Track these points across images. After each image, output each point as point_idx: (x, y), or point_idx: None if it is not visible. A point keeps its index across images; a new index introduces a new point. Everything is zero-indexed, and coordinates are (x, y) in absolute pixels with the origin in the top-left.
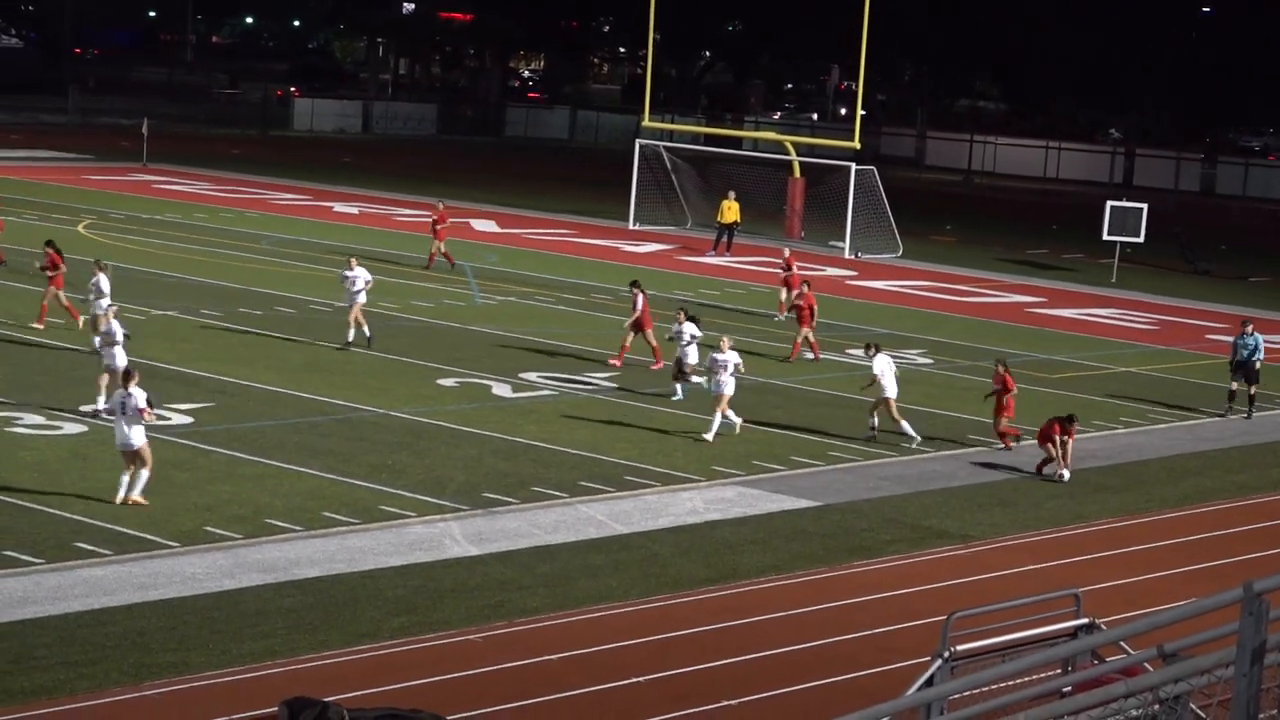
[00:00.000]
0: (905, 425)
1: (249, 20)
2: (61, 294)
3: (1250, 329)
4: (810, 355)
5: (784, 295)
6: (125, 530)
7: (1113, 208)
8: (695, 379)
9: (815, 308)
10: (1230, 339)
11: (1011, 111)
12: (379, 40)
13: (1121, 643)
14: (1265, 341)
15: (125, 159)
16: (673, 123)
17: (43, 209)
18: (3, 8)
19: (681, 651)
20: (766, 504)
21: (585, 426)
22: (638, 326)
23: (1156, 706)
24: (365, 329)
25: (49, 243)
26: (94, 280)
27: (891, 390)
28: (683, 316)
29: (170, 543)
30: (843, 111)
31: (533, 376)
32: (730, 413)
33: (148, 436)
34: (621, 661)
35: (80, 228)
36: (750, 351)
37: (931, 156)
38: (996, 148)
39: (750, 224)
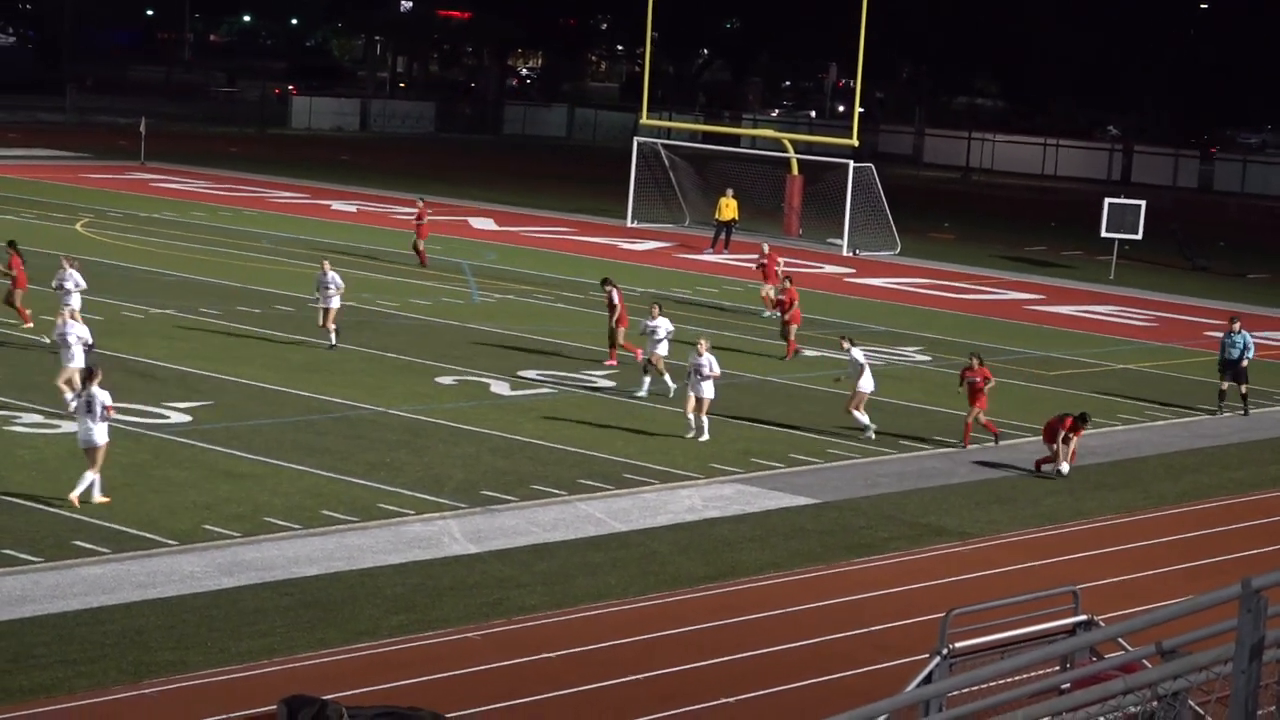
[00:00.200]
0: (864, 417)
1: (246, 19)
2: (18, 294)
3: (1238, 326)
4: (798, 352)
5: (771, 291)
6: (124, 529)
7: (1111, 205)
8: (668, 380)
9: (796, 302)
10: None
11: (1009, 109)
12: (377, 38)
13: (1120, 639)
14: (1265, 339)
15: (123, 157)
16: (671, 120)
17: (41, 208)
18: (1, 7)
19: (680, 649)
20: (765, 501)
21: (584, 424)
22: (619, 322)
23: (1155, 703)
24: (331, 331)
25: (10, 244)
26: (62, 276)
27: (867, 386)
28: (656, 311)
29: (169, 541)
30: (841, 109)
31: (531, 374)
32: (693, 416)
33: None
34: (620, 659)
35: (78, 226)
36: (750, 351)
37: (929, 154)
38: (994, 145)
39: (748, 221)
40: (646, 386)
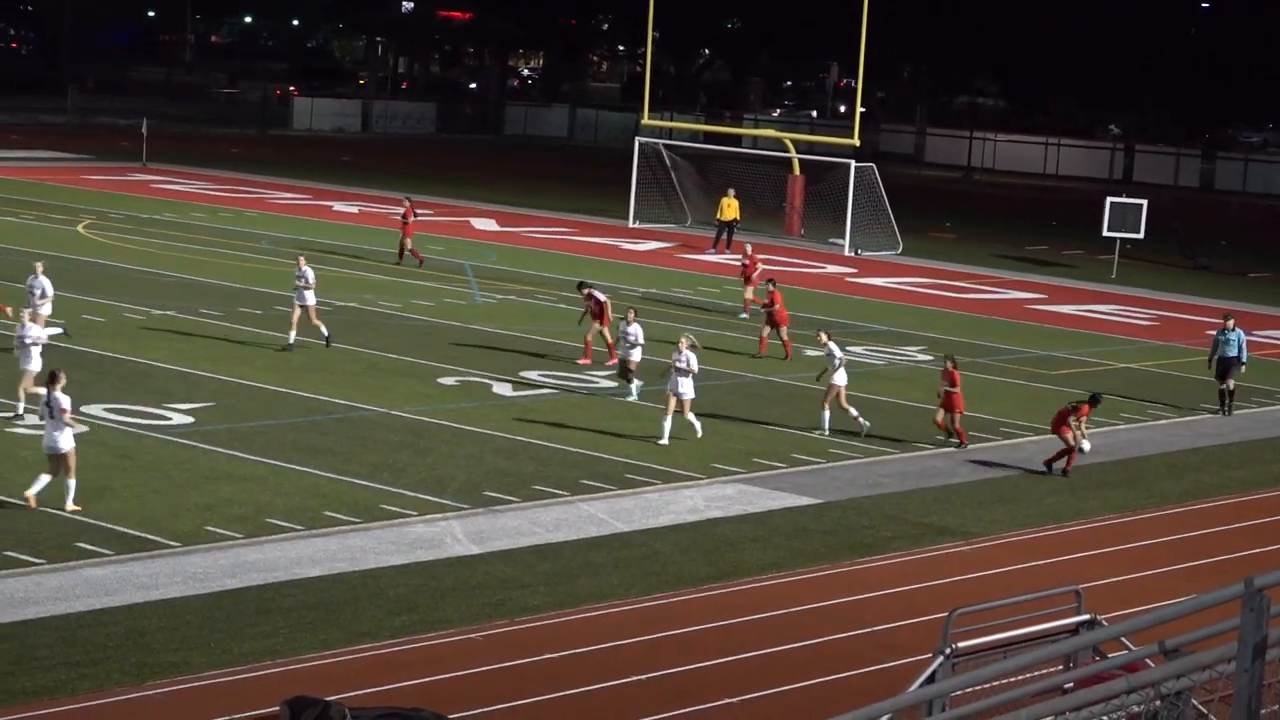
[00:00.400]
0: (827, 416)
1: (248, 20)
2: None
3: (1231, 324)
4: (774, 350)
5: (750, 293)
6: (126, 530)
7: (1112, 204)
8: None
9: (780, 303)
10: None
11: (1010, 109)
12: (378, 39)
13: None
14: (1267, 337)
15: (124, 159)
16: (672, 120)
17: (42, 209)
18: (1, 8)
19: (682, 649)
20: (767, 501)
21: (586, 425)
22: (603, 322)
23: (1158, 702)
24: (292, 336)
25: None
26: (32, 282)
27: (841, 380)
28: (632, 315)
29: (171, 542)
30: (842, 109)
31: (533, 375)
32: (667, 421)
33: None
34: (622, 660)
35: (80, 228)
36: (751, 351)
37: (931, 153)
38: (995, 144)
39: (750, 221)
40: (636, 388)
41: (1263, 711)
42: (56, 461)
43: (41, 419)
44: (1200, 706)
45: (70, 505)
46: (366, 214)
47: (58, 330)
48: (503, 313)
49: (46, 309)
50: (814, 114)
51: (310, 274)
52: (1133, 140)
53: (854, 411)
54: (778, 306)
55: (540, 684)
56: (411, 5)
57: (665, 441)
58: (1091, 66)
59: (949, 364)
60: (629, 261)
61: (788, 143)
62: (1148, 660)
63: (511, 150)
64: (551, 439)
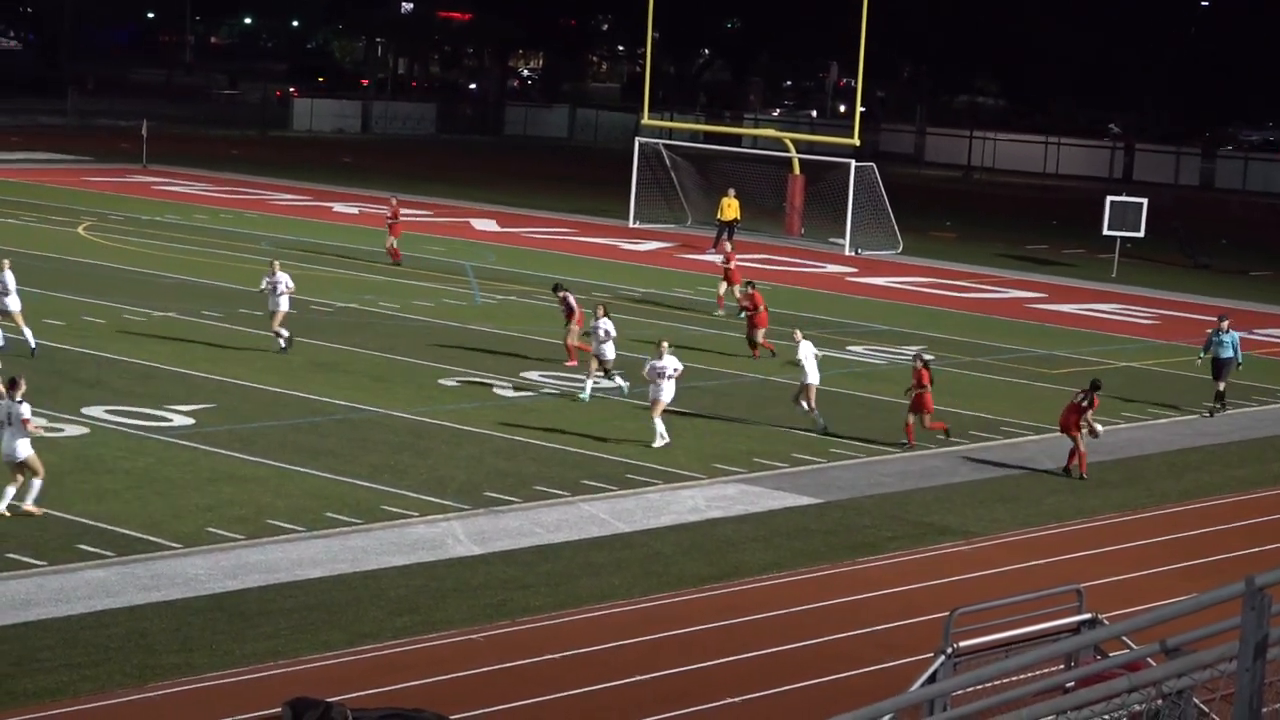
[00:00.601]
0: (816, 414)
1: (247, 21)
2: None
3: (1226, 325)
4: (762, 353)
5: (722, 290)
6: (128, 532)
7: (1112, 203)
8: (601, 379)
9: (761, 305)
10: (1238, 334)
11: (1010, 108)
12: (378, 40)
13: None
14: (1268, 336)
15: (124, 160)
16: (672, 121)
17: (42, 211)
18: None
19: (684, 650)
20: (768, 501)
21: (586, 425)
22: (576, 322)
23: (1159, 701)
24: (282, 335)
25: None
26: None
27: (813, 377)
28: (601, 311)
29: (172, 544)
30: (842, 108)
31: (534, 376)
32: (658, 421)
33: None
34: (623, 660)
35: (80, 230)
36: (746, 354)
37: (931, 153)
38: (996, 143)
39: (750, 221)
40: (622, 384)
41: (1264, 710)
42: (17, 469)
43: None
44: (1202, 705)
45: (29, 505)
46: (367, 215)
47: None
48: (503, 313)
49: (13, 304)
50: (814, 114)
51: (288, 280)
52: (1133, 139)
53: (806, 407)
54: (760, 309)
55: (542, 685)
56: (411, 6)
57: (662, 441)
58: (1091, 66)
59: (918, 363)
60: (629, 262)
61: (788, 142)
62: (1149, 659)
63: (511, 151)
64: (552, 440)
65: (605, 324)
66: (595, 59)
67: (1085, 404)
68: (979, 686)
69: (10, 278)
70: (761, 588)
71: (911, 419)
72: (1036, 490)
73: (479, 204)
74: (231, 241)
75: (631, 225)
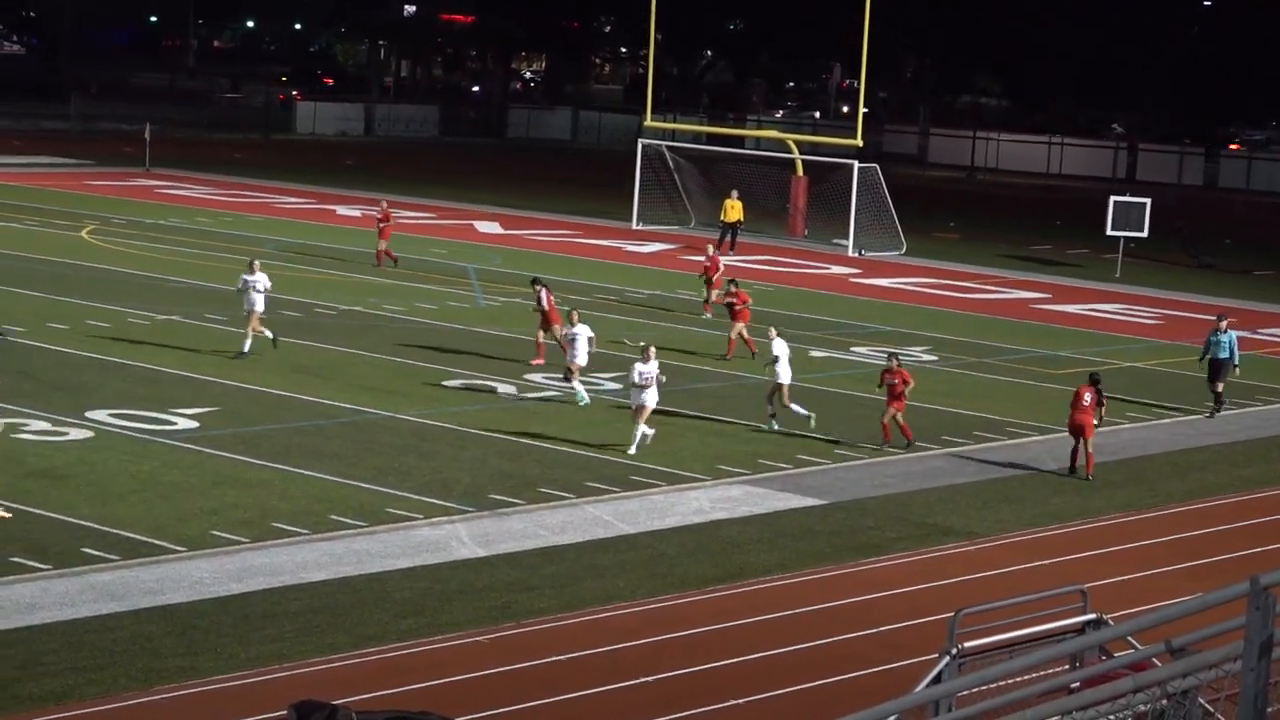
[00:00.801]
0: (796, 408)
1: (249, 24)
2: None
3: (1225, 325)
4: (739, 350)
5: (707, 292)
6: (132, 535)
7: (1116, 203)
8: (579, 383)
9: (748, 302)
10: (1242, 334)
11: (1013, 108)
12: (380, 43)
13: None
14: (1270, 335)
15: (128, 164)
16: (675, 122)
17: (45, 215)
18: (4, 15)
19: (689, 651)
20: (773, 503)
21: (590, 427)
22: (546, 323)
23: (1164, 701)
24: (266, 332)
25: None
26: None
27: (785, 377)
28: (575, 317)
29: (177, 547)
30: (845, 109)
31: (537, 378)
32: (644, 426)
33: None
34: (628, 662)
35: (84, 233)
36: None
37: (934, 153)
38: (999, 144)
39: (753, 223)
40: (581, 392)
41: (1269, 710)
42: None
43: None
44: (1207, 705)
45: None
46: (370, 218)
47: None
48: (506, 315)
49: None
50: (817, 115)
51: (264, 279)
52: (1136, 139)
53: (773, 408)
54: (740, 306)
55: (546, 687)
56: (414, 8)
57: (631, 450)
58: (1091, 64)
59: (894, 363)
60: (633, 264)
61: (791, 144)
62: (1154, 659)
63: (514, 153)
64: (556, 441)
65: (582, 330)
66: (598, 61)
67: (1101, 400)
68: (984, 687)
69: None
70: (766, 589)
71: (894, 415)
72: (1041, 491)
73: (482, 206)
74: (235, 245)
75: (635, 227)
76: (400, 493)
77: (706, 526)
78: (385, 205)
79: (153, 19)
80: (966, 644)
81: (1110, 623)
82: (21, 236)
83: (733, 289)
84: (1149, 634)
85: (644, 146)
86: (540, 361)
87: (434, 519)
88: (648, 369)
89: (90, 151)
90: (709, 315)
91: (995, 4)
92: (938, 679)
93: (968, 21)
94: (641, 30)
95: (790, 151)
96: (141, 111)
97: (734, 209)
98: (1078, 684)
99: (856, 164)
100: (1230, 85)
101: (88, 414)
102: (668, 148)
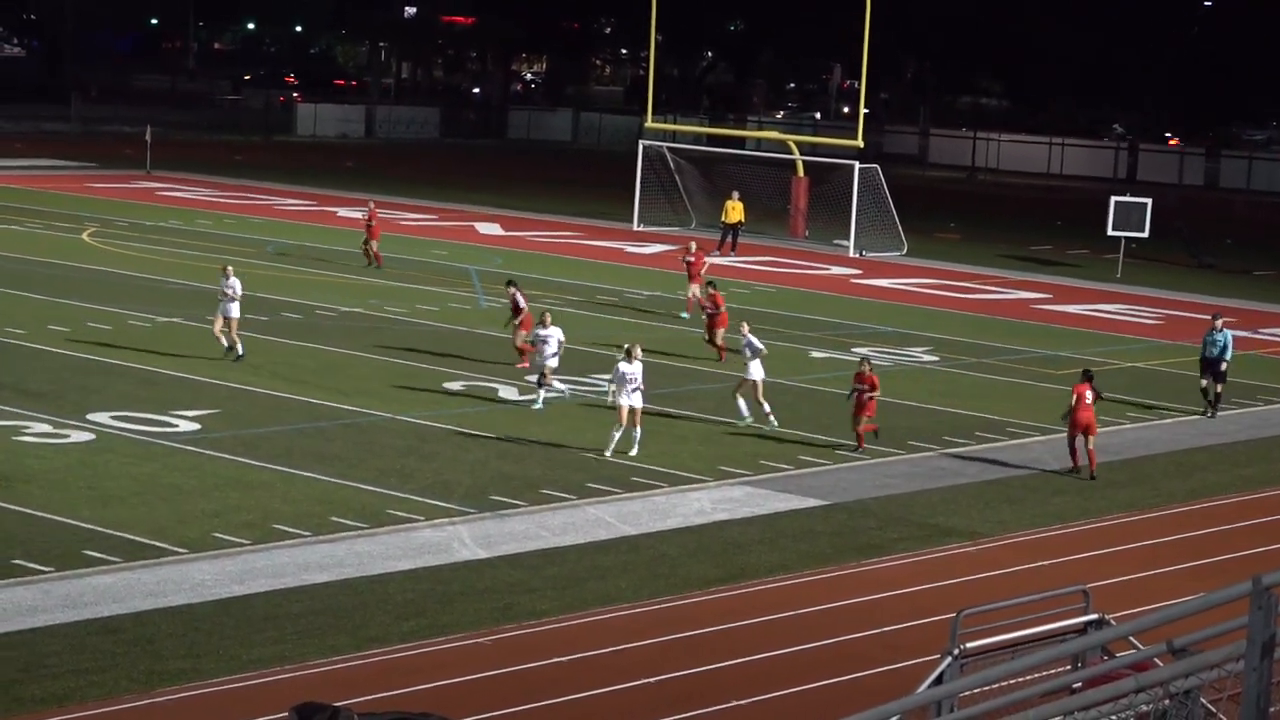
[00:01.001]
0: (742, 404)
1: (250, 26)
2: None
3: (1220, 324)
4: (721, 357)
5: (693, 291)
6: (134, 538)
7: (1117, 203)
8: (559, 385)
9: (722, 305)
10: (1243, 334)
11: (1013, 109)
12: (381, 44)
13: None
14: (1271, 335)
15: (129, 166)
16: (676, 123)
17: (46, 217)
18: (5, 17)
19: (690, 652)
20: (774, 503)
21: (592, 428)
22: (523, 325)
23: (1167, 701)
24: (237, 346)
25: None
26: None
27: (757, 374)
28: (548, 319)
29: (179, 549)
30: (845, 110)
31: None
32: (623, 429)
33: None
34: (631, 663)
35: (85, 236)
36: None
37: (934, 154)
38: (999, 144)
39: (755, 223)
40: (543, 398)
41: (1271, 709)
42: None
43: None
44: (1209, 705)
45: None
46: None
47: None
48: (507, 317)
49: None
50: (817, 116)
51: (238, 285)
52: (1137, 139)
53: (768, 408)
54: (720, 310)
55: (548, 688)
56: (414, 10)
57: (633, 450)
58: (1091, 66)
59: (865, 367)
60: (634, 265)
61: (791, 144)
62: (1156, 659)
63: (515, 154)
64: (558, 442)
65: (554, 332)
66: (598, 62)
67: (1099, 395)
68: (986, 687)
69: None
70: (768, 590)
71: (864, 423)
72: (1042, 491)
73: (483, 208)
74: (236, 246)
75: (636, 228)
76: (402, 494)
77: (708, 527)
78: (372, 206)
79: (153, 21)
80: (968, 644)
81: (1112, 623)
82: (22, 239)
83: (710, 290)
84: (1151, 634)
85: (645, 148)
86: (525, 365)
87: (435, 521)
88: (633, 369)
89: (91, 154)
90: (688, 315)
91: (995, 6)
92: (940, 679)
93: (968, 24)
94: (642, 31)
95: (791, 152)
96: (142, 114)
97: (735, 210)
98: (1080, 684)
99: (857, 165)
100: (1229, 86)
101: (89, 416)
102: (668, 149)
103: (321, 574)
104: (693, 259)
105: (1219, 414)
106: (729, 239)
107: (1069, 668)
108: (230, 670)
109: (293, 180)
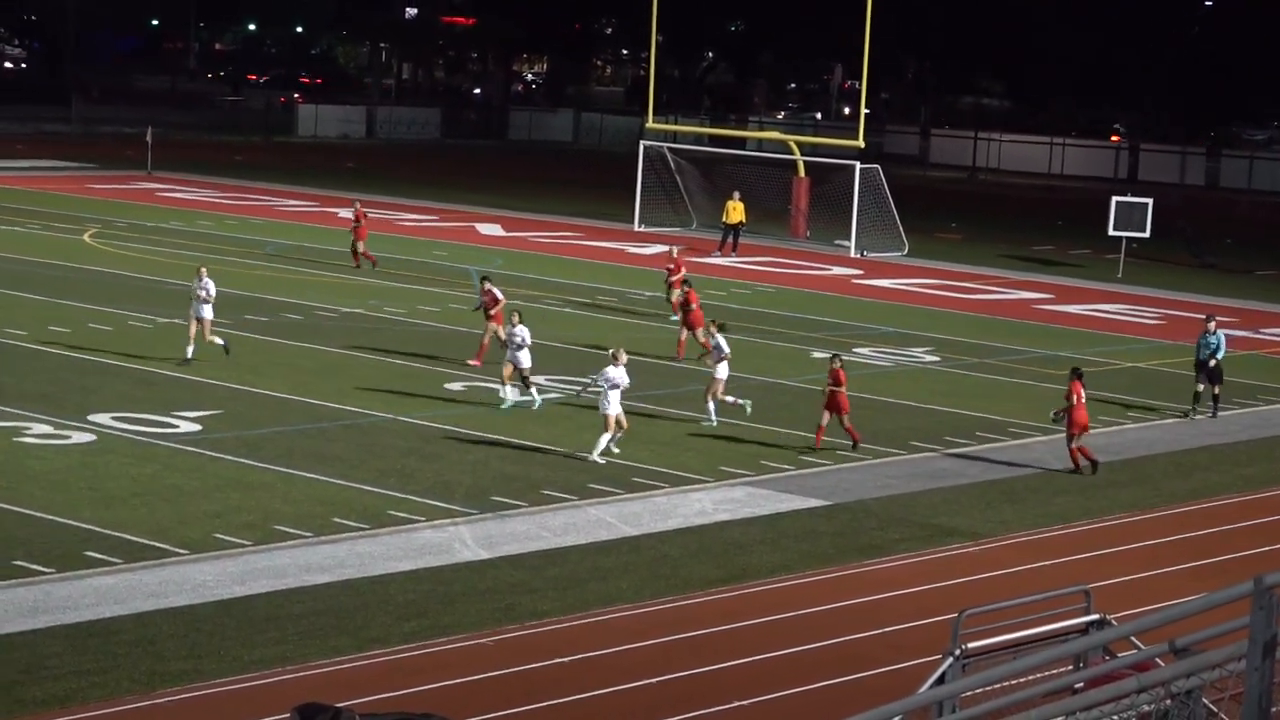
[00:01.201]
0: (712, 407)
1: (251, 27)
2: None
3: (1213, 326)
4: (688, 351)
5: (675, 295)
6: (135, 539)
7: (1118, 203)
8: (533, 389)
9: (696, 304)
10: (1244, 334)
11: (1014, 109)
12: (382, 45)
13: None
14: (1273, 335)
15: (129, 167)
16: (676, 124)
17: (47, 218)
18: (6, 18)
19: (692, 652)
20: (776, 504)
21: (593, 429)
22: (495, 320)
23: (1168, 702)
24: (217, 340)
25: None
26: None
27: (722, 372)
28: (517, 319)
29: (180, 550)
30: (846, 110)
31: (540, 380)
32: (606, 437)
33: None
34: (632, 663)
35: (86, 237)
36: (756, 354)
37: (935, 154)
38: (1000, 144)
39: (755, 224)
40: (510, 397)
41: (1273, 709)
42: None
43: None
44: (1211, 705)
45: None
46: (373, 220)
47: None
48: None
49: None
50: (818, 116)
51: (211, 286)
52: (1138, 139)
53: (730, 398)
54: (694, 307)
55: (550, 689)
56: (415, 11)
57: (599, 456)
58: (1091, 66)
59: (835, 363)
60: (635, 265)
61: (792, 145)
62: (1158, 659)
63: (516, 155)
64: (559, 443)
65: (521, 330)
66: (599, 63)
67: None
68: (988, 688)
69: None
70: (770, 590)
71: (825, 420)
72: (1044, 491)
73: (484, 208)
74: (237, 247)
75: (637, 229)
76: (403, 495)
77: (710, 528)
78: (358, 206)
79: (154, 22)
80: (970, 644)
81: (1114, 623)
82: (23, 240)
83: (685, 288)
84: (1153, 634)
85: (646, 148)
86: (478, 364)
87: (437, 521)
88: (620, 374)
89: (92, 155)
90: (677, 317)
91: (995, 6)
92: (941, 680)
93: (968, 24)
94: (643, 32)
95: (792, 153)
96: (143, 114)
97: (736, 210)
98: (1081, 684)
99: (858, 165)
100: (1229, 86)
101: (90, 417)
102: (669, 149)
103: (323, 575)
104: (673, 265)
105: (1220, 414)
106: (730, 239)
107: (1071, 668)
108: (232, 671)
109: (293, 181)
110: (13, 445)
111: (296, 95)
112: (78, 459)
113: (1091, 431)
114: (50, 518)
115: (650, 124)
